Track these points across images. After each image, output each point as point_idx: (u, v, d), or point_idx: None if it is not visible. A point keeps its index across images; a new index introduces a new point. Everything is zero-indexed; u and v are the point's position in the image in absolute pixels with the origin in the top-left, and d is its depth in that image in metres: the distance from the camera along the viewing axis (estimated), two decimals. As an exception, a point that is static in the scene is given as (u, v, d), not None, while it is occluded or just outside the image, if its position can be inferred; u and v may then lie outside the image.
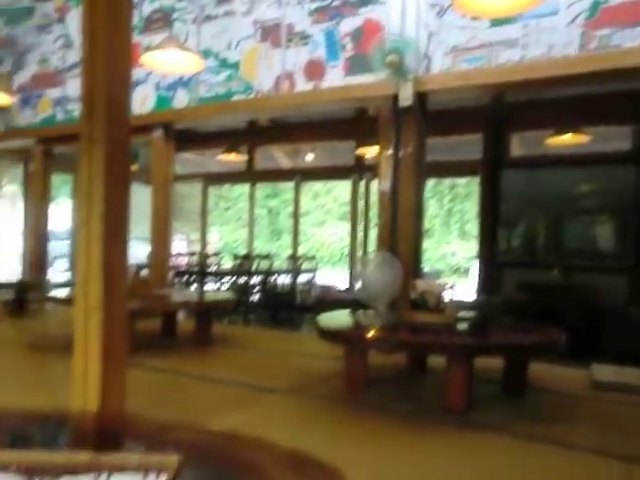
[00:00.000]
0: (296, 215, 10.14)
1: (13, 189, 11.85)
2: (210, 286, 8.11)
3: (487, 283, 6.39)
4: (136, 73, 5.34)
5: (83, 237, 2.38)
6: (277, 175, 10.25)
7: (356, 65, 4.65)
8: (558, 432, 2.64)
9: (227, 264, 9.47)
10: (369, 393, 3.18)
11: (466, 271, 14.18)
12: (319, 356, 4.13)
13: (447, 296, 3.42)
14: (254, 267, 8.19)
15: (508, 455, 2.37)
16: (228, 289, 7.78)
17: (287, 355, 4.31)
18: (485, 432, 2.62)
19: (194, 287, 7.76)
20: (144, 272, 6.14)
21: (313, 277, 8.48)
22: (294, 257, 9.06)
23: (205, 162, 9.87)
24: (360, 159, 8.14)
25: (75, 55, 6.35)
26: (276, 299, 7.60)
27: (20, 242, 9.20)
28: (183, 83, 5.61)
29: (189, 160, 9.51)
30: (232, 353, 4.44)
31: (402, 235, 4.49)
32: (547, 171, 6.39)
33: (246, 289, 7.72)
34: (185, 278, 7.97)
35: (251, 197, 10.39)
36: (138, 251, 5.95)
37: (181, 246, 13.05)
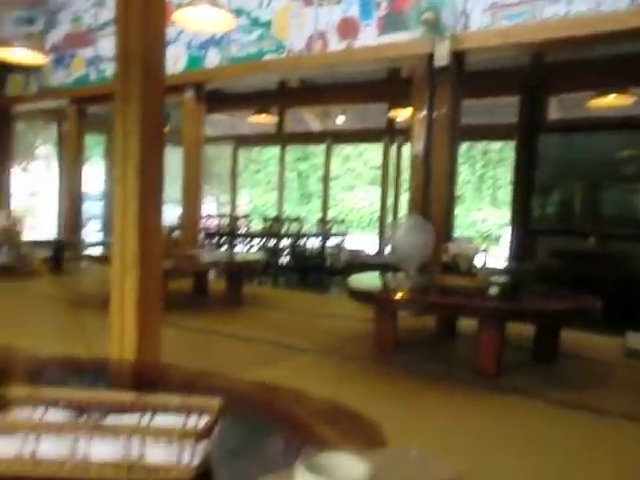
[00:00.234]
0: (326, 178, 10.08)
1: (47, 150, 12.07)
2: (240, 248, 8.19)
3: (519, 250, 6.29)
4: (168, 32, 5.26)
5: (119, 194, 2.41)
6: (307, 137, 10.15)
7: (390, 23, 4.51)
8: (590, 398, 2.62)
9: (257, 227, 9.51)
10: (399, 355, 3.19)
11: (497, 238, 13.97)
12: (349, 318, 4.16)
13: (479, 261, 3.38)
14: (284, 230, 8.21)
15: (538, 419, 2.37)
16: (258, 251, 7.85)
17: (317, 316, 4.35)
18: (515, 396, 2.62)
19: (224, 249, 7.85)
20: (176, 234, 6.23)
21: (342, 241, 8.46)
22: (324, 221, 9.06)
23: (235, 124, 9.84)
24: (392, 122, 7.99)
25: (108, 13, 6.31)
26: (305, 262, 7.64)
27: (55, 202, 9.40)
28: (215, 42, 5.55)
29: (219, 122, 9.48)
30: (262, 313, 4.51)
31: (434, 199, 4.42)
32: (586, 135, 6.16)
33: (276, 251, 7.77)
34: (215, 240, 8.06)
35: (281, 160, 10.36)
36: (169, 213, 6.02)
37: (211, 208, 13.17)
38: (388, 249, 4.44)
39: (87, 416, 0.83)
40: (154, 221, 2.45)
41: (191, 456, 0.75)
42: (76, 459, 0.76)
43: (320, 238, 8.26)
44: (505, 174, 15.84)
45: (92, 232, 11.07)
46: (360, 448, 0.64)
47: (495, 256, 8.38)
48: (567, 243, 6.10)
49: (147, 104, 2.42)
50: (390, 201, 9.07)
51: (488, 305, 2.98)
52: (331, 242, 8.33)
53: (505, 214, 13.95)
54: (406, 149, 7.83)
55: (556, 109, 6.67)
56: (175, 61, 5.69)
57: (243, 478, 0.79)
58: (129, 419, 0.83)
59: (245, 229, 9.16)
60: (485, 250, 3.50)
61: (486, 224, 16.58)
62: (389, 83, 6.71)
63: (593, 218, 6.14)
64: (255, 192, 19.08)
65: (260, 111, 7.96)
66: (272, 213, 9.39)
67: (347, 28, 4.73)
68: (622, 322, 4.08)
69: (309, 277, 7.42)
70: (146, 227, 2.39)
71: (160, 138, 2.52)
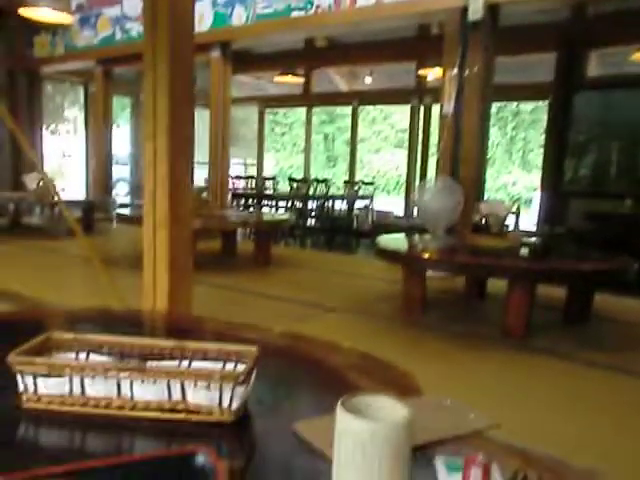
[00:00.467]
0: (353, 139, 9.97)
1: (74, 112, 12.15)
2: (267, 210, 8.21)
3: (550, 213, 6.16)
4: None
5: (150, 151, 2.41)
6: (334, 98, 10.00)
7: (422, -24, 4.35)
8: (620, 360, 2.59)
9: (283, 189, 9.50)
10: (427, 315, 3.19)
11: (527, 202, 13.69)
12: (377, 279, 4.17)
13: (510, 223, 3.32)
14: (311, 192, 8.18)
15: (567, 379, 2.35)
16: (285, 212, 7.86)
17: (345, 276, 4.36)
18: (544, 356, 2.60)
19: (251, 210, 7.88)
20: (204, 195, 6.26)
21: (370, 203, 8.41)
22: (351, 182, 8.99)
23: (261, 85, 9.73)
24: (421, 81, 7.81)
25: (133, -30, 6.22)
26: (333, 224, 7.63)
27: (84, 164, 9.52)
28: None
29: (245, 83, 9.39)
30: (290, 273, 4.54)
31: (464, 160, 4.33)
32: (626, 92, 5.91)
33: (303, 213, 7.76)
34: (242, 201, 8.09)
35: (308, 121, 10.25)
36: (198, 174, 6.03)
37: (238, 170, 13.17)
38: (416, 211, 4.39)
39: (129, 361, 0.85)
40: (184, 177, 2.46)
41: (230, 400, 0.77)
42: (122, 398, 0.78)
43: (347, 200, 8.22)
44: (537, 136, 15.41)
45: (120, 194, 11.23)
46: (396, 395, 0.64)
47: (526, 219, 8.24)
48: (601, 206, 5.94)
49: (176, 60, 2.40)
50: (417, 163, 8.94)
51: (518, 265, 2.94)
52: (358, 204, 8.28)
53: (535, 177, 13.63)
54: (435, 110, 7.65)
55: (595, 65, 6.39)
56: (200, 19, 5.61)
57: (281, 423, 0.80)
58: (169, 364, 0.85)
59: (272, 191, 9.16)
60: (517, 212, 3.43)
61: (516, 187, 16.26)
62: (419, 40, 6.52)
63: (630, 180, 5.95)
64: (281, 155, 19.02)
65: (286, 72, 7.85)
66: (298, 176, 9.34)
67: (377, -18, 4.58)
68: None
69: (336, 239, 7.42)
70: (176, 185, 2.40)
71: (190, 95, 2.51)
